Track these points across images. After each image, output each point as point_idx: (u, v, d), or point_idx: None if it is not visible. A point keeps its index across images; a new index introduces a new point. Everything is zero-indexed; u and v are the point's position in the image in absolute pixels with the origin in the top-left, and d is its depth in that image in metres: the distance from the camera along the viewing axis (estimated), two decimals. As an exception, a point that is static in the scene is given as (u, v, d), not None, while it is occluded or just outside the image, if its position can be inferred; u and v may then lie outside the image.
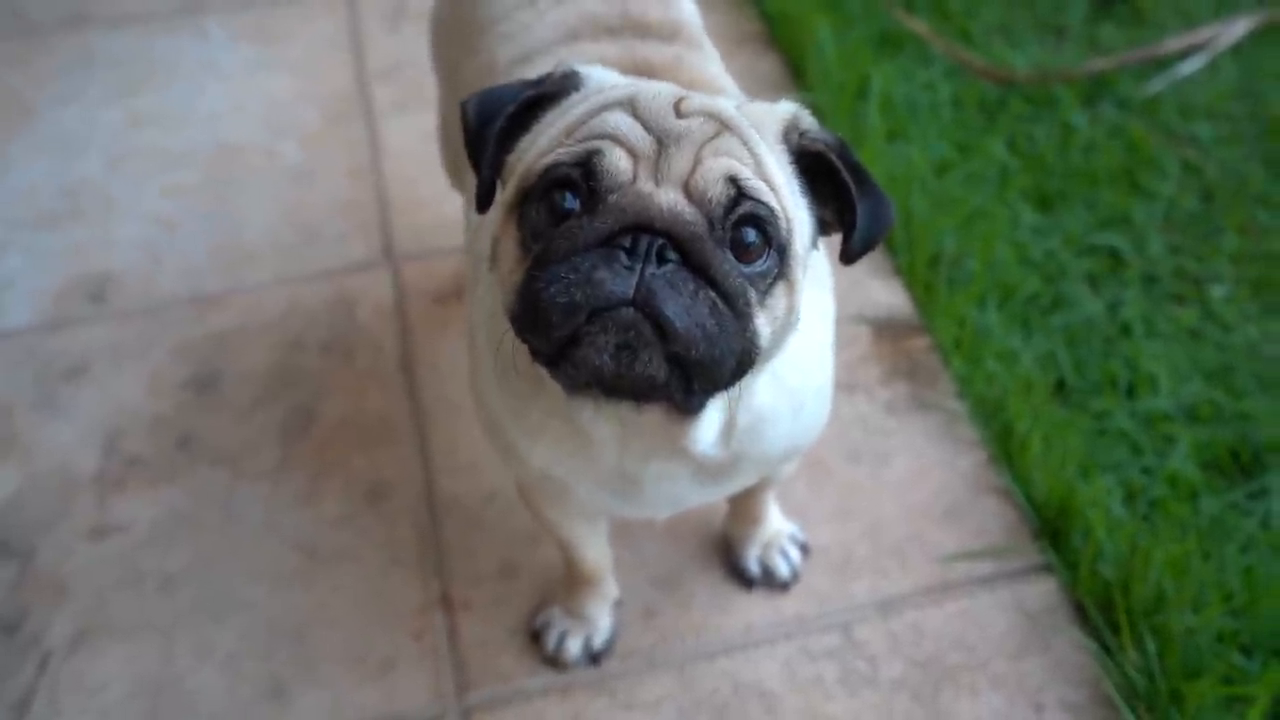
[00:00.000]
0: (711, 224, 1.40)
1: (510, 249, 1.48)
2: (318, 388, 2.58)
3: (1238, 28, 3.27)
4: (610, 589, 2.13)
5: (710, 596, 2.22)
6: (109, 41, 3.52)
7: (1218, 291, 2.78)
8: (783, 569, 2.22)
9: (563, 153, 1.44)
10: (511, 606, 2.22)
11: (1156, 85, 3.19)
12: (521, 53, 1.90)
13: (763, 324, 1.44)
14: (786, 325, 1.50)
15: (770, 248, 1.43)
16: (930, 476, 2.40)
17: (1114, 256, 2.86)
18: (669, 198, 1.39)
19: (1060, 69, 3.22)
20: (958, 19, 3.42)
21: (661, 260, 1.37)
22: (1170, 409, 2.54)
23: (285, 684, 2.11)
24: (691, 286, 1.38)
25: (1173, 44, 3.24)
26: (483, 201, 1.58)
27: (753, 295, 1.42)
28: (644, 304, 1.35)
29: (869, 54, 3.21)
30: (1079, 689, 2.10)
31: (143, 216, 2.98)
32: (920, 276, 2.73)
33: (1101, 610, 2.17)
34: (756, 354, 1.46)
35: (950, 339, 2.61)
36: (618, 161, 1.41)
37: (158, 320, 2.73)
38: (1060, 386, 2.58)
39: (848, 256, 1.52)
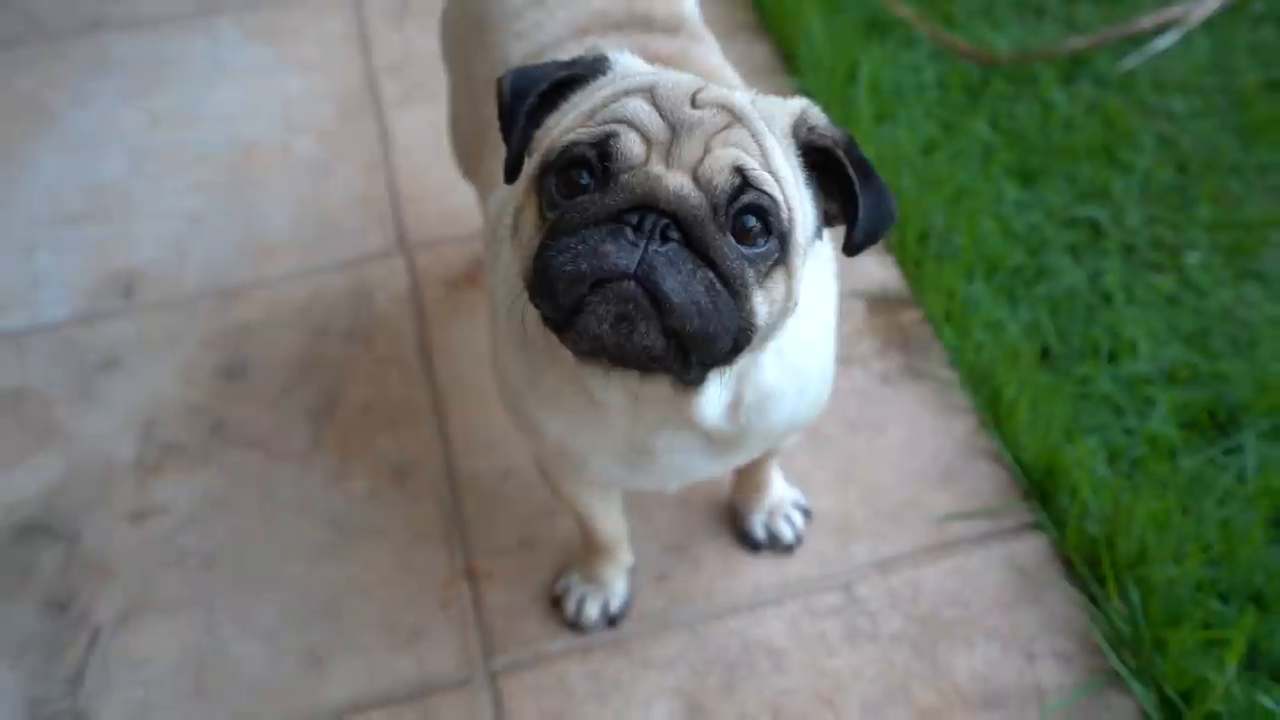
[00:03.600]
0: (715, 209, 1.43)
1: (530, 218, 1.53)
2: (341, 373, 2.62)
3: (1210, 3, 3.28)
4: (625, 556, 2.19)
5: (719, 561, 2.28)
6: (124, 44, 3.54)
7: (1193, 259, 2.82)
8: (787, 533, 2.28)
9: (582, 133, 1.48)
10: (532, 575, 2.27)
11: (1132, 61, 3.22)
12: (534, 49, 1.94)
13: (760, 304, 1.48)
14: (784, 309, 1.54)
15: (771, 235, 1.46)
16: (925, 442, 2.45)
17: (1094, 228, 2.90)
18: (676, 181, 1.43)
19: (1040, 49, 3.25)
20: (941, 3, 3.45)
21: (665, 239, 1.42)
22: (1150, 372, 2.58)
23: (322, 654, 2.16)
24: (690, 265, 1.42)
25: (1146, 21, 3.25)
26: (511, 172, 1.61)
27: (750, 277, 1.46)
28: (644, 278, 1.40)
29: (857, 39, 3.24)
30: (1068, 639, 2.15)
31: (166, 213, 3.02)
32: (910, 252, 2.77)
33: (1088, 564, 2.23)
34: (753, 333, 1.50)
35: (940, 311, 2.65)
36: (631, 145, 1.45)
37: (186, 312, 2.77)
38: (1045, 354, 2.61)
39: (850, 248, 1.55)
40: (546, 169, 1.51)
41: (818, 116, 1.57)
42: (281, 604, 2.24)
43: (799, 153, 1.55)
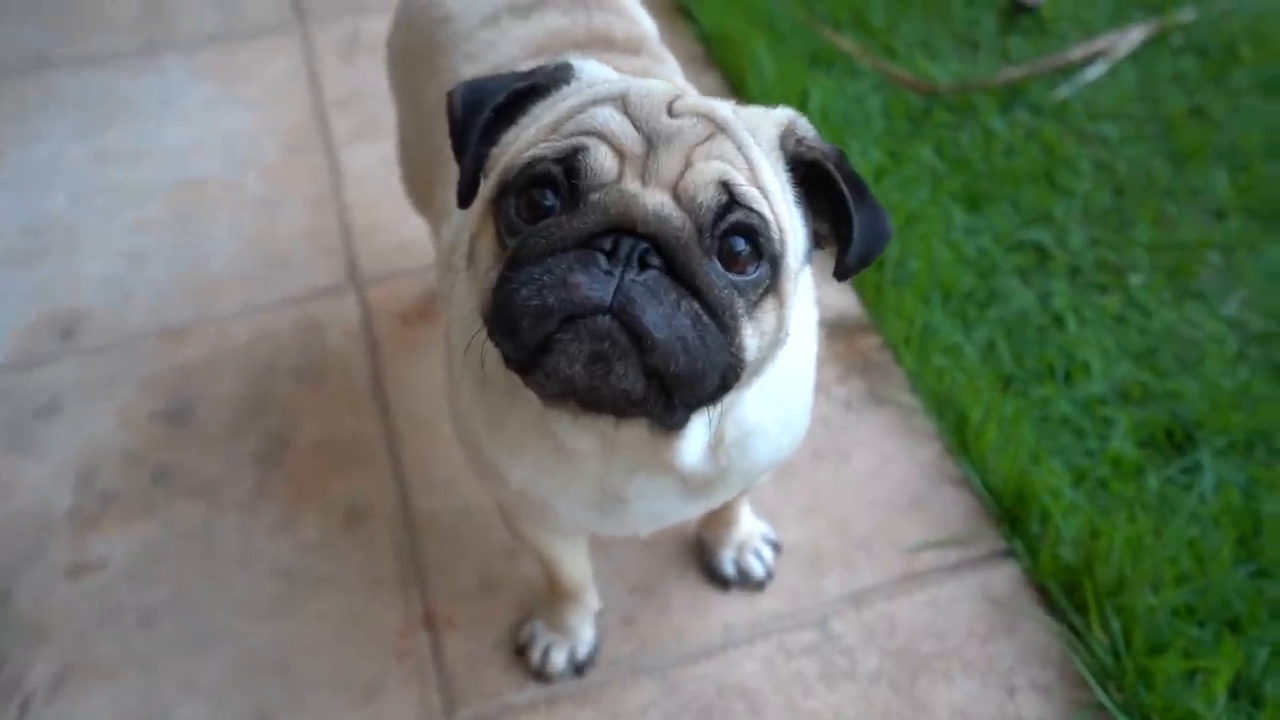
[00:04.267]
0: (700, 230, 1.17)
1: (488, 246, 1.26)
2: (290, 413, 2.35)
3: (1133, 36, 3.18)
4: (591, 601, 1.94)
5: (688, 600, 2.03)
6: (71, 82, 3.25)
7: (1136, 279, 2.67)
8: (757, 569, 2.03)
9: (545, 147, 1.21)
10: (494, 621, 2.01)
11: (1064, 91, 3.08)
12: (488, 70, 1.66)
13: (750, 338, 1.22)
14: (775, 341, 1.28)
15: (761, 259, 1.21)
16: (891, 469, 2.22)
17: (1040, 251, 2.73)
18: (655, 200, 1.17)
19: (978, 80, 3.10)
20: (881, 35, 3.27)
21: (644, 266, 1.15)
22: (1105, 392, 2.41)
23: (271, 715, 1.88)
24: (674, 296, 1.15)
25: (1076, 52, 3.13)
26: (464, 196, 1.34)
27: (740, 308, 1.20)
28: (621, 311, 1.13)
29: (804, 70, 3.05)
30: (1047, 669, 1.94)
31: (110, 252, 2.73)
32: (868, 278, 2.57)
33: (1065, 592, 2.02)
34: (742, 369, 1.23)
35: (900, 337, 2.46)
36: (602, 159, 1.19)
37: (128, 354, 2.48)
38: (1005, 378, 2.42)
39: (843, 272, 1.30)
40: (505, 190, 1.24)
41: (806, 128, 1.32)
42: (227, 662, 1.95)
43: (787, 167, 1.29)
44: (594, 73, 1.35)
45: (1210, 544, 2.10)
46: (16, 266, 2.70)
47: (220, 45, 3.32)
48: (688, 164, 1.20)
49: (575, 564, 1.84)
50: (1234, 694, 1.90)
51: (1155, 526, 2.11)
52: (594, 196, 1.18)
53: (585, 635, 1.94)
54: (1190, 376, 2.45)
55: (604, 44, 1.68)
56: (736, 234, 1.19)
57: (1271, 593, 2.05)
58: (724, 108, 1.27)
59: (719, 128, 1.23)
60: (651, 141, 1.21)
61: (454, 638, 1.97)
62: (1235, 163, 2.90)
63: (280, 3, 3.46)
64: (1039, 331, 2.52)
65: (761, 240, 1.20)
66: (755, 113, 1.31)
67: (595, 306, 1.13)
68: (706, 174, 1.19)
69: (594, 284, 1.13)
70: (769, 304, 1.24)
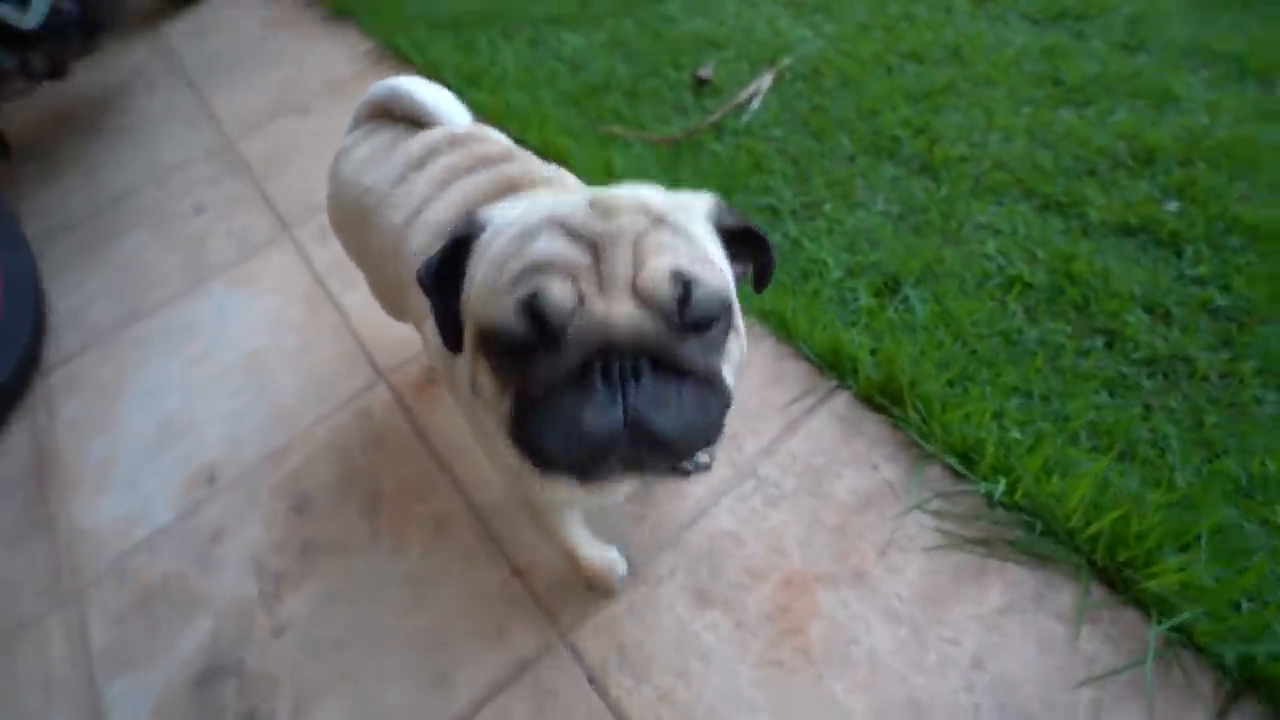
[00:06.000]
0: (669, 323, 0.88)
1: (488, 381, 0.95)
2: (372, 475, 2.10)
3: (766, 79, 3.05)
4: (611, 552, 1.68)
5: (669, 494, 1.88)
6: (154, 323, 2.84)
7: (827, 208, 2.56)
8: (705, 459, 1.90)
9: (503, 309, 0.89)
10: (558, 559, 1.83)
11: (745, 119, 2.92)
12: (411, 210, 1.41)
13: (728, 375, 0.97)
14: (740, 362, 1.01)
15: (719, 315, 0.92)
16: (753, 362, 2.09)
17: (772, 209, 2.55)
18: (622, 310, 0.86)
19: (695, 127, 2.93)
20: (632, 119, 3.03)
21: (637, 375, 0.86)
22: (842, 275, 2.27)
23: (447, 672, 1.69)
24: (673, 389, 0.87)
25: (742, 96, 2.97)
26: (452, 343, 1.04)
27: (716, 362, 0.93)
28: (636, 426, 0.85)
29: (601, 150, 2.83)
30: (891, 446, 1.87)
31: (218, 417, 2.40)
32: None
33: (883, 396, 1.93)
34: (730, 403, 0.97)
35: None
36: (559, 294, 0.86)
37: (254, 478, 2.19)
38: (791, 285, 2.28)
39: (760, 288, 1.12)
40: (486, 343, 0.93)
41: (726, 207, 1.05)
42: (402, 651, 1.75)
43: (715, 233, 1.02)
44: (501, 214, 1.03)
45: (937, 338, 2.04)
46: (162, 451, 2.35)
47: (241, 263, 2.94)
48: (639, 263, 0.88)
49: (589, 543, 1.61)
50: (999, 418, 1.86)
51: (909, 341, 2.04)
52: (569, 332, 0.86)
53: (621, 563, 1.72)
54: (880, 250, 2.35)
55: (485, 161, 1.45)
56: (699, 310, 0.89)
57: (978, 351, 2.01)
58: (654, 197, 0.98)
59: (655, 218, 0.92)
60: (597, 247, 0.89)
61: (536, 578, 1.80)
62: (848, 129, 2.80)
63: (271, 223, 3.08)
64: (791, 253, 2.39)
65: (718, 302, 0.91)
66: (683, 198, 1.03)
67: (611, 436, 0.85)
68: (659, 269, 0.88)
69: (603, 415, 0.85)
70: (731, 339, 0.98)
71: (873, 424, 1.90)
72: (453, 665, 1.70)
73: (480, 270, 0.97)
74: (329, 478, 2.13)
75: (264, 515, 2.09)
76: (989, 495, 1.69)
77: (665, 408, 0.86)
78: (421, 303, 1.33)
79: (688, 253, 0.91)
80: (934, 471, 1.79)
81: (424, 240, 1.32)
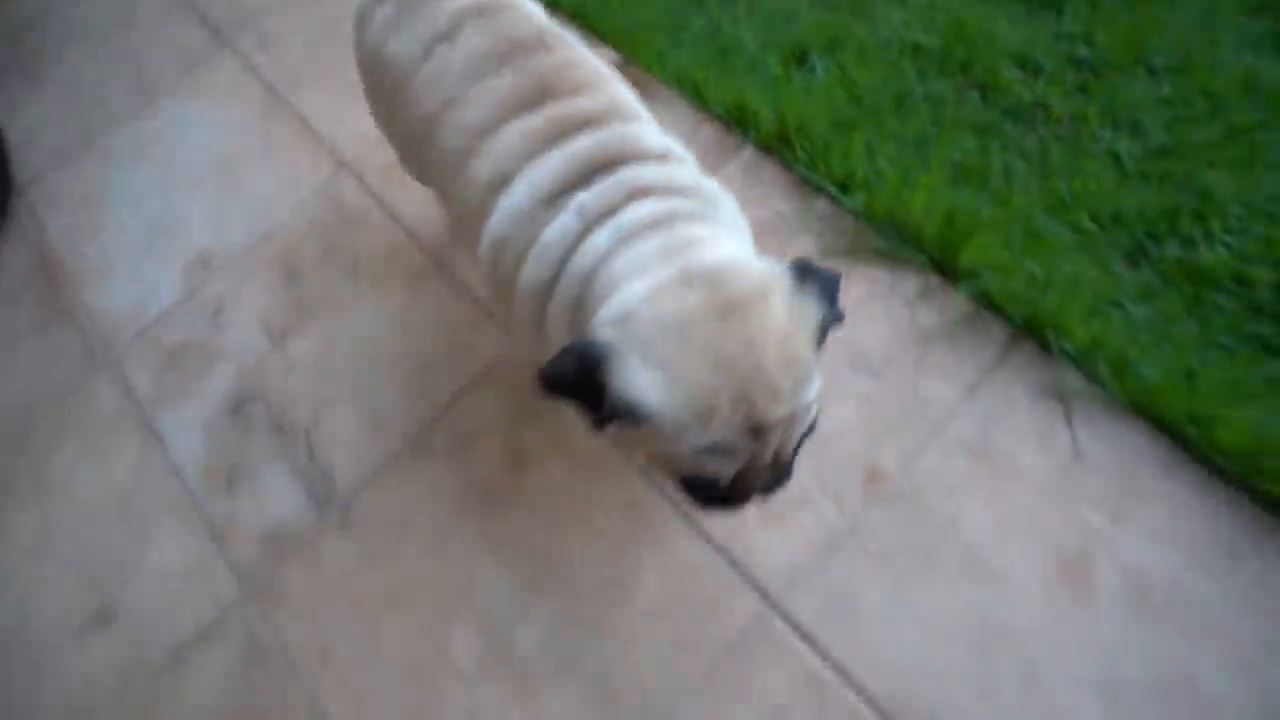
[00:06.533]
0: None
1: (666, 469, 1.14)
2: (350, 246, 2.40)
3: None
4: None
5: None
6: (116, 139, 2.93)
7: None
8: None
9: (682, 465, 1.08)
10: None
11: None
12: (440, 102, 1.31)
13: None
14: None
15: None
16: (671, 127, 2.27)
17: None
18: (763, 473, 1.10)
19: None
20: None
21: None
22: (754, 50, 2.48)
23: (429, 380, 2.08)
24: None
25: None
26: (599, 426, 1.05)
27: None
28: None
29: None
30: (785, 187, 2.18)
31: (201, 214, 2.63)
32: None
33: (782, 145, 2.21)
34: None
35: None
36: (728, 473, 1.08)
37: (245, 259, 2.48)
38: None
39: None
40: (653, 455, 1.10)
41: (807, 272, 1.09)
42: (393, 369, 2.13)
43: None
44: (612, 331, 1.03)
45: (833, 98, 2.31)
46: (155, 246, 2.58)
47: (186, 76, 3.01)
48: (785, 441, 1.08)
49: None
50: (872, 155, 2.18)
51: (807, 100, 2.29)
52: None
53: None
54: (794, 25, 2.52)
55: (517, 49, 1.31)
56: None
57: (868, 104, 2.27)
58: (776, 312, 1.01)
59: (798, 411, 1.05)
60: (757, 434, 1.03)
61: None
62: None
63: (207, 37, 3.07)
64: (712, 36, 2.55)
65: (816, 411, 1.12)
66: (804, 304, 1.05)
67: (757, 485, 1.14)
68: (790, 444, 1.09)
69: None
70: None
71: (772, 169, 2.22)
72: (434, 373, 2.10)
73: (651, 399, 0.99)
74: (312, 252, 2.45)
75: (260, 285, 2.42)
76: (854, 212, 2.08)
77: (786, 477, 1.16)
78: (451, 183, 1.29)
79: (806, 400, 1.04)
80: (821, 205, 2.15)
81: (456, 142, 1.28)
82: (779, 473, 1.12)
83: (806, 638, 1.59)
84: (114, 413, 2.29)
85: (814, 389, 1.05)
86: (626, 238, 1.11)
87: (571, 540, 1.83)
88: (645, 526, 1.79)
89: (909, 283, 2.00)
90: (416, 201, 2.43)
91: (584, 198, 1.16)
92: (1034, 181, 2.18)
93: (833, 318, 1.05)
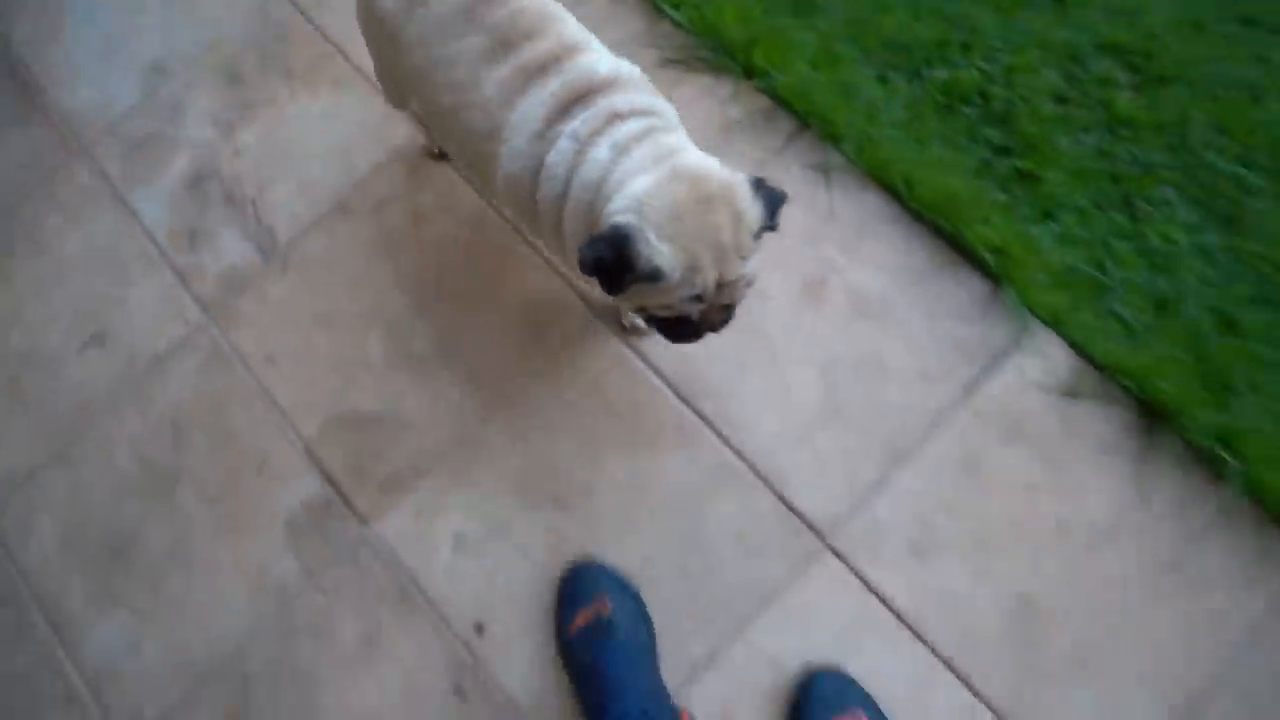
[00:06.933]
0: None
1: (656, 312, 1.50)
2: (288, 54, 2.83)
3: None
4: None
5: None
6: None
7: None
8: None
9: (670, 303, 1.41)
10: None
11: None
12: (458, 83, 1.52)
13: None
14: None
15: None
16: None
17: None
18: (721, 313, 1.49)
19: None
20: None
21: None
22: None
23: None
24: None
25: None
26: (618, 289, 1.36)
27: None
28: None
29: None
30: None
31: (153, 28, 2.93)
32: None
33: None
34: None
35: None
36: (694, 310, 1.44)
37: (195, 69, 2.85)
38: None
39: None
40: (645, 306, 1.48)
41: (755, 186, 1.40)
42: (324, 145, 2.63)
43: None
44: (635, 215, 1.32)
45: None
46: (112, 54, 2.86)
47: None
48: (739, 269, 1.40)
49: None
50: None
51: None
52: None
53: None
54: None
55: (524, 36, 1.47)
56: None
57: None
58: (740, 192, 1.35)
59: (746, 274, 1.42)
60: (720, 288, 1.40)
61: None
62: None
63: None
64: None
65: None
66: (740, 184, 1.37)
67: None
68: (737, 297, 1.47)
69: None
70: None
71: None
72: (353, 153, 2.53)
73: (665, 264, 1.31)
74: (254, 60, 2.84)
75: (208, 89, 2.82)
76: (684, 29, 2.53)
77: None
78: (454, 130, 1.52)
79: (751, 268, 1.42)
80: (665, 27, 2.62)
81: (446, 101, 1.49)
82: (728, 314, 1.47)
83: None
84: (92, 189, 2.78)
85: (755, 261, 1.40)
86: (622, 150, 1.38)
87: (456, 271, 2.44)
88: (509, 254, 2.41)
89: (725, 86, 2.55)
90: (341, 19, 2.85)
91: (574, 126, 1.40)
92: (840, 12, 2.71)
93: (770, 225, 1.36)
